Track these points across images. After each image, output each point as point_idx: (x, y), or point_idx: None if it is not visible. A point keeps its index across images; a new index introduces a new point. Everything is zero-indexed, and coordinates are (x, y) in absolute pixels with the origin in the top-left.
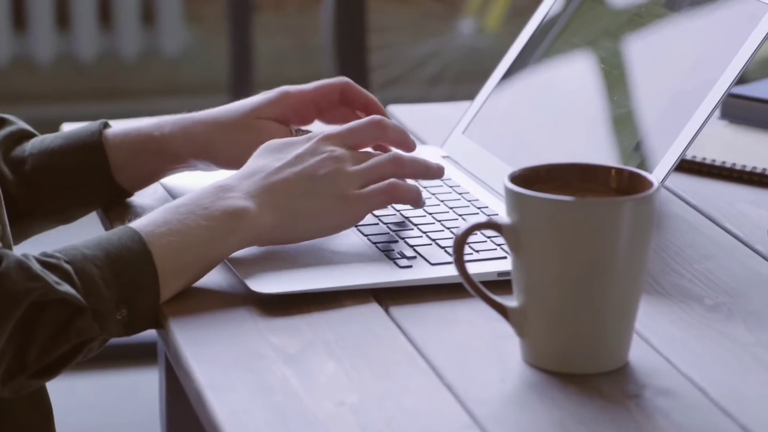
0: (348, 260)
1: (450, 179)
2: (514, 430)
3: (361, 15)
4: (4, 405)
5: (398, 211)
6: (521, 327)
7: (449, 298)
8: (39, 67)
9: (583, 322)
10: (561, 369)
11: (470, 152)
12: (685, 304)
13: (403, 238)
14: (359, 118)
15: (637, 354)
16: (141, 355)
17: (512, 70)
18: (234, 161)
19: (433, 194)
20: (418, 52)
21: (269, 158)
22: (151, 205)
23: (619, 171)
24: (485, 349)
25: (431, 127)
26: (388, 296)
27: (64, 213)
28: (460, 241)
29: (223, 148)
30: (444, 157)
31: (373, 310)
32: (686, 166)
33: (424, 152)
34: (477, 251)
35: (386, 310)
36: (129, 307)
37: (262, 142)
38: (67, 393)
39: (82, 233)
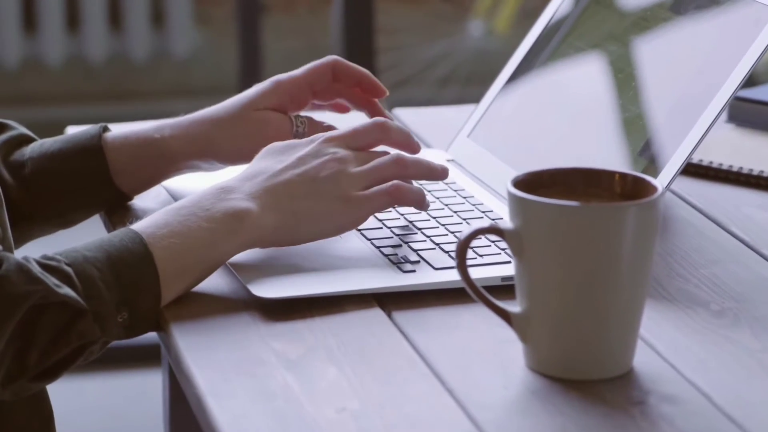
0: (351, 265)
1: (454, 183)
2: None
3: (369, 17)
4: (4, 408)
5: (402, 214)
6: (524, 332)
7: (453, 302)
8: (49, 68)
9: (586, 328)
10: (564, 375)
11: (475, 156)
12: (690, 310)
13: (406, 243)
14: (354, 94)
15: (642, 360)
16: (145, 358)
17: (517, 74)
18: (237, 156)
19: (438, 198)
20: (428, 54)
21: (271, 160)
22: (154, 207)
23: (623, 176)
24: (488, 355)
25: (437, 130)
26: (391, 301)
27: (64, 216)
28: (463, 246)
29: (225, 143)
30: (449, 160)
31: (376, 315)
32: (693, 170)
33: (428, 156)
34: (481, 255)
35: (389, 315)
36: (130, 309)
37: (263, 133)
38: (70, 395)
39: (85, 237)
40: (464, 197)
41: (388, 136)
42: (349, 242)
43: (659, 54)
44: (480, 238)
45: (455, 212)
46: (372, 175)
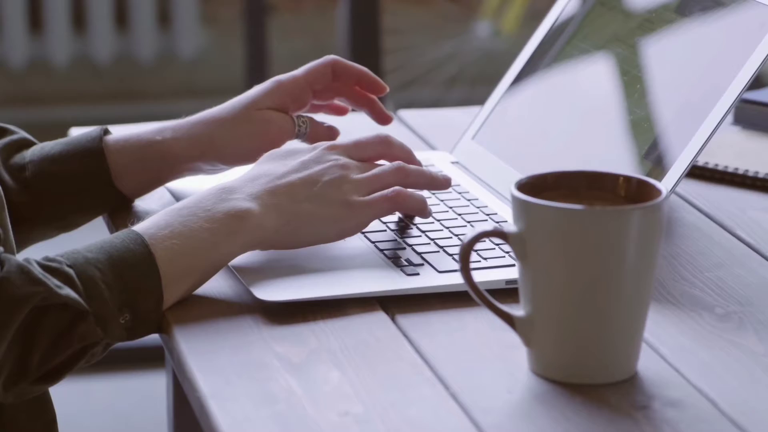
0: (354, 268)
1: (459, 185)
2: None
3: (375, 17)
4: (6, 412)
5: (406, 217)
6: (528, 336)
7: (457, 306)
8: (55, 69)
9: (590, 332)
10: (568, 379)
11: (479, 158)
12: (695, 313)
13: (410, 245)
14: (354, 92)
15: (646, 364)
16: (149, 359)
17: (522, 76)
18: (241, 156)
19: (442, 200)
20: (435, 55)
21: (274, 164)
22: (157, 209)
23: (627, 179)
24: (492, 359)
25: (442, 131)
26: (394, 304)
27: (65, 219)
28: (467, 250)
29: (229, 144)
30: (453, 162)
31: (379, 318)
32: (698, 173)
33: (433, 158)
34: (485, 258)
35: (392, 319)
36: (132, 310)
37: (267, 133)
38: (74, 396)
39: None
40: (468, 199)
41: (389, 150)
42: (353, 245)
43: (664, 56)
44: (484, 241)
45: (459, 215)
46: (374, 182)
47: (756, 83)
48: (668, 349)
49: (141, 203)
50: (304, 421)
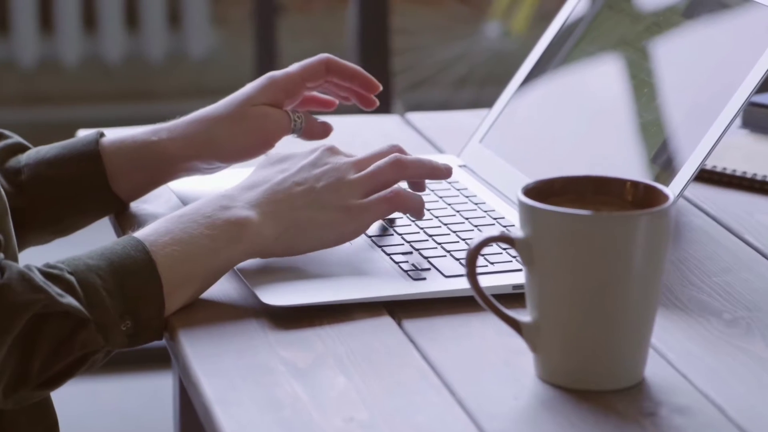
0: (360, 272)
1: (466, 189)
2: None
3: (384, 18)
4: (6, 417)
5: (413, 221)
6: (535, 342)
7: (463, 311)
8: (66, 68)
9: (597, 338)
10: (575, 386)
11: (487, 161)
12: (703, 319)
13: (417, 249)
14: (347, 90)
15: (654, 370)
16: (155, 360)
17: (530, 79)
18: (239, 153)
19: (449, 204)
20: (444, 56)
21: (271, 170)
22: (165, 213)
23: (634, 184)
24: (498, 365)
25: (450, 134)
26: (401, 309)
27: (61, 223)
28: (473, 255)
29: (226, 141)
30: (461, 166)
31: (386, 323)
32: (706, 176)
33: (441, 161)
34: (492, 263)
35: (399, 324)
36: (133, 317)
37: (263, 128)
38: (80, 398)
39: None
40: (476, 203)
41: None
42: (359, 249)
43: (672, 59)
44: (491, 246)
45: (467, 219)
46: (371, 182)
47: (764, 86)
48: (675, 355)
49: (148, 207)
50: (309, 427)
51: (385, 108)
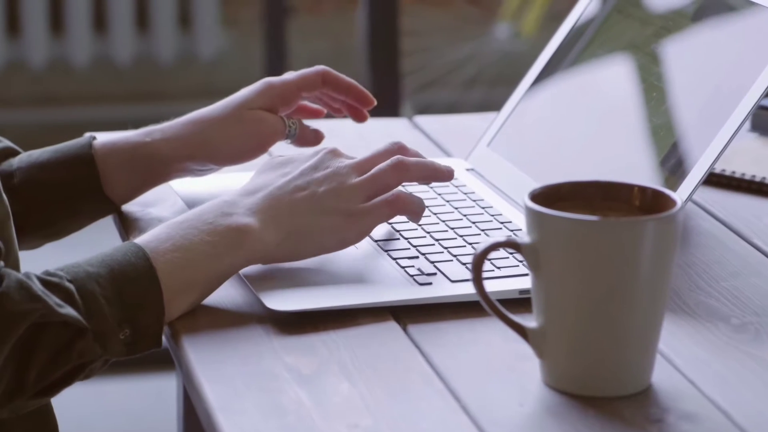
0: (366, 277)
1: (474, 192)
2: None
3: (394, 19)
4: (4, 424)
5: (420, 225)
6: (541, 348)
7: (469, 316)
8: (75, 69)
9: (604, 344)
10: (581, 392)
11: (495, 165)
12: (711, 324)
13: (423, 254)
14: (341, 103)
15: (661, 376)
16: (161, 361)
17: (538, 83)
18: (233, 156)
19: (456, 208)
20: (454, 57)
21: (273, 174)
22: (170, 216)
23: (642, 189)
24: (504, 371)
25: (458, 138)
26: (406, 314)
27: (53, 227)
28: (479, 260)
29: (220, 144)
30: (468, 169)
31: (391, 328)
32: (715, 180)
33: (448, 165)
34: (498, 268)
35: (404, 329)
36: (132, 325)
37: (259, 132)
38: (86, 398)
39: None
40: (483, 207)
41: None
42: (365, 253)
43: (681, 63)
44: (498, 250)
45: (473, 223)
46: (373, 185)
47: None
48: (683, 361)
49: (153, 211)
50: None
51: (393, 110)
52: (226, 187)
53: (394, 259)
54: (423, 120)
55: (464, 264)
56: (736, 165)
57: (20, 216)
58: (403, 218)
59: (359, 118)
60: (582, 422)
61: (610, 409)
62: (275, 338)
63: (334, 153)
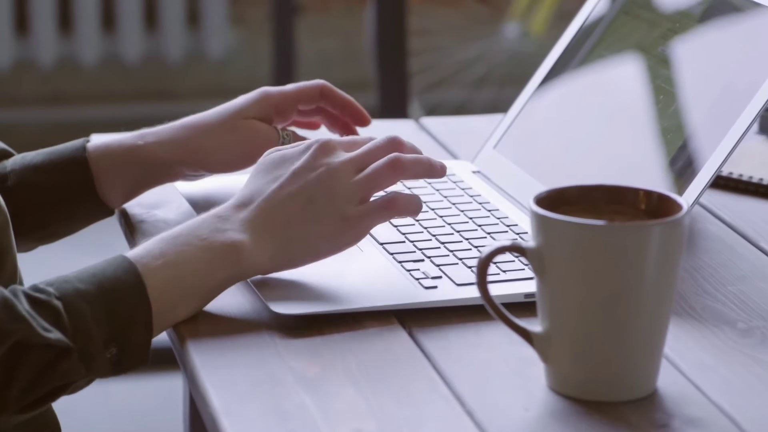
0: (371, 280)
1: (480, 195)
2: None
3: (401, 18)
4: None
5: (425, 228)
6: (545, 353)
7: (475, 320)
8: (84, 68)
9: (609, 349)
10: (586, 396)
11: (501, 168)
12: (717, 328)
13: (428, 257)
14: (336, 119)
15: (666, 381)
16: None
17: (544, 85)
18: (224, 164)
19: (462, 211)
20: (463, 56)
21: (265, 178)
22: (176, 219)
23: (647, 193)
24: (509, 375)
25: (464, 139)
26: (411, 318)
27: (46, 230)
28: (483, 264)
29: (213, 151)
30: (474, 172)
31: (396, 332)
32: (722, 183)
33: (454, 167)
34: (504, 271)
35: (409, 333)
36: (119, 345)
37: (252, 142)
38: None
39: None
40: (489, 210)
41: (393, 151)
42: (370, 257)
43: (688, 65)
44: (502, 254)
45: (479, 226)
46: (369, 185)
47: None
48: (688, 365)
49: (159, 213)
50: None
51: (401, 109)
52: (230, 188)
53: (400, 262)
54: (429, 121)
55: (470, 267)
56: (743, 168)
57: (14, 218)
58: (409, 220)
59: (350, 134)
60: (587, 427)
61: (615, 414)
62: (280, 342)
63: (328, 147)
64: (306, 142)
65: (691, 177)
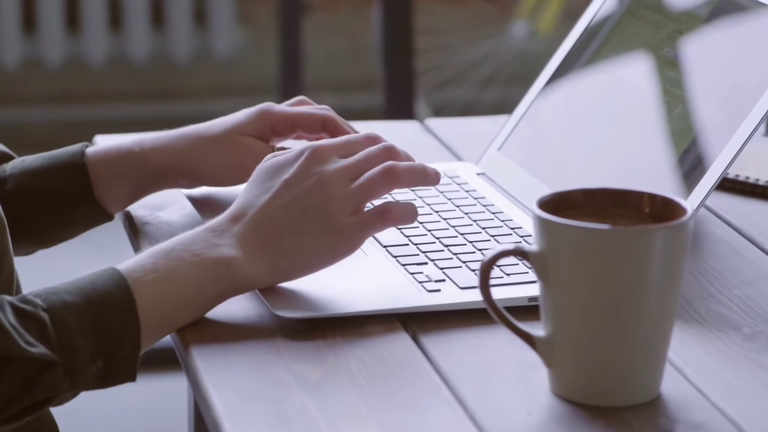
0: (374, 283)
1: (484, 197)
2: None
3: (408, 17)
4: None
5: (429, 231)
6: (549, 357)
7: (478, 323)
8: (92, 67)
9: (612, 353)
10: (589, 401)
11: (505, 170)
12: (722, 333)
13: (432, 260)
14: None
15: (670, 385)
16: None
17: (549, 86)
18: (214, 179)
19: (466, 213)
20: (471, 55)
21: (259, 189)
22: (179, 221)
23: (651, 196)
24: (512, 379)
25: (470, 141)
26: (414, 321)
27: (44, 235)
28: (486, 268)
29: (204, 163)
30: (479, 174)
31: (399, 335)
32: (728, 185)
33: (459, 169)
34: (507, 275)
35: (412, 336)
36: (106, 359)
37: (245, 160)
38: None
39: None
40: (493, 213)
41: (387, 159)
42: (374, 260)
43: (694, 67)
44: (506, 257)
45: (483, 228)
46: (363, 194)
47: None
48: (693, 370)
49: (162, 215)
50: None
51: (408, 110)
52: (234, 191)
53: (403, 265)
54: (434, 123)
55: (473, 270)
56: (750, 170)
57: (12, 222)
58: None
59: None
60: None
61: (618, 419)
62: (283, 345)
63: (321, 154)
64: (299, 148)
65: (697, 179)
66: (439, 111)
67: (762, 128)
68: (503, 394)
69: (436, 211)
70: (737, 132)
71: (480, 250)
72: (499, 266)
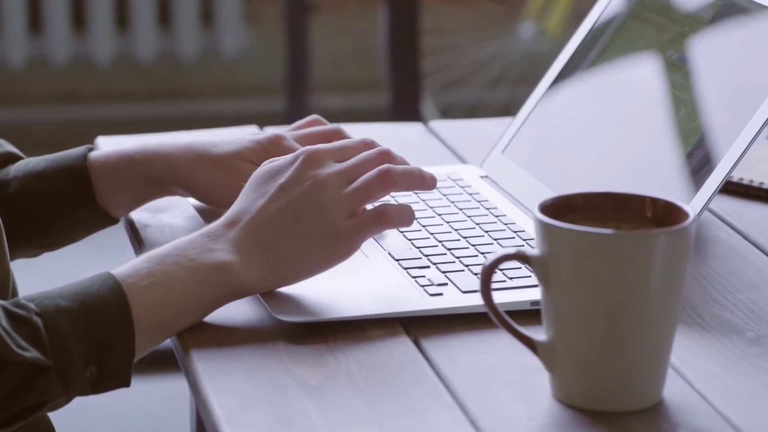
0: (376, 287)
1: (487, 200)
2: None
3: (414, 18)
4: None
5: (432, 234)
6: (550, 362)
7: (480, 327)
8: (98, 67)
9: (614, 358)
10: (591, 406)
11: (509, 173)
12: (725, 337)
13: (434, 264)
14: None
15: (673, 390)
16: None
17: (553, 89)
18: (205, 197)
19: (469, 216)
20: (478, 55)
21: (256, 192)
22: (181, 223)
23: (654, 200)
24: (514, 384)
25: (474, 143)
26: (416, 325)
27: (47, 238)
28: (487, 273)
29: (199, 183)
30: (482, 176)
31: (401, 339)
32: (732, 188)
33: (462, 172)
34: (510, 278)
35: (414, 340)
36: (99, 364)
37: (235, 186)
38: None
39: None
40: (496, 216)
41: (383, 162)
42: (375, 263)
43: (698, 69)
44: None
45: (486, 232)
46: (359, 198)
47: None
48: (695, 375)
49: (164, 217)
50: None
51: (414, 110)
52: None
53: (405, 269)
54: (438, 125)
55: (476, 274)
56: (754, 173)
57: (15, 225)
58: (416, 225)
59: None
60: None
61: (620, 424)
62: (283, 349)
63: (316, 158)
64: (294, 153)
65: (700, 182)
66: (446, 112)
67: (766, 131)
68: (504, 399)
69: (439, 214)
70: (741, 135)
71: (482, 253)
72: (501, 270)
